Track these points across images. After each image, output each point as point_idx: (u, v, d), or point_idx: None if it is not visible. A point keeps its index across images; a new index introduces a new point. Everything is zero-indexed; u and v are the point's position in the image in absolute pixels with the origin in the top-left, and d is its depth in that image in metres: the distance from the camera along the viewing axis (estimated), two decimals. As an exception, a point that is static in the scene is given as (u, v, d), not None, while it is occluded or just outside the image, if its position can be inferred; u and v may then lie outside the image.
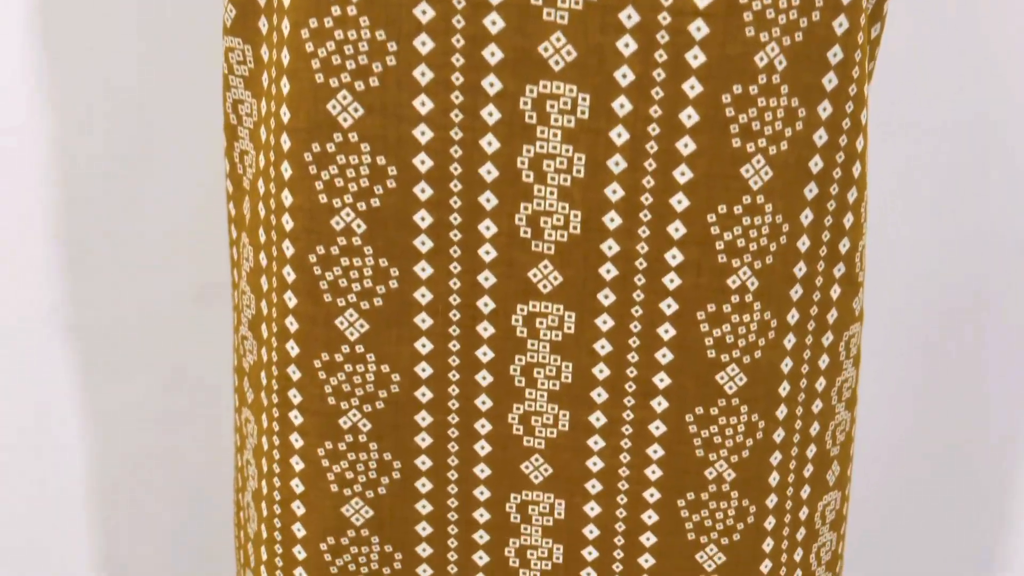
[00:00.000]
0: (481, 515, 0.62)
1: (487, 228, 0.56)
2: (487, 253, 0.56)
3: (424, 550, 0.63)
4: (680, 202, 0.55)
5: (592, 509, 0.61)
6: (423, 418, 0.60)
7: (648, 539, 0.62)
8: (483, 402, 0.59)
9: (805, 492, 0.65)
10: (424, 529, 0.62)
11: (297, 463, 0.61)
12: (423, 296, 0.57)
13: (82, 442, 1.02)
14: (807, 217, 0.58)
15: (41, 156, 0.94)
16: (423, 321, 0.58)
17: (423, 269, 0.57)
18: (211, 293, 0.98)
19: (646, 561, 0.62)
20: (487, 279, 0.57)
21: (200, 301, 0.99)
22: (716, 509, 0.61)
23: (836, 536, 0.70)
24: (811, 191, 0.58)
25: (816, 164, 0.57)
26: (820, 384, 0.63)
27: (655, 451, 0.60)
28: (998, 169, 1.00)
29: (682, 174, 0.54)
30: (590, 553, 0.62)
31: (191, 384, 1.02)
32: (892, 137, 0.93)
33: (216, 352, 0.95)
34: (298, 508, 0.62)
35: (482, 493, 0.61)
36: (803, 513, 0.65)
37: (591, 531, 0.62)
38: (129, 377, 1.01)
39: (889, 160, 0.93)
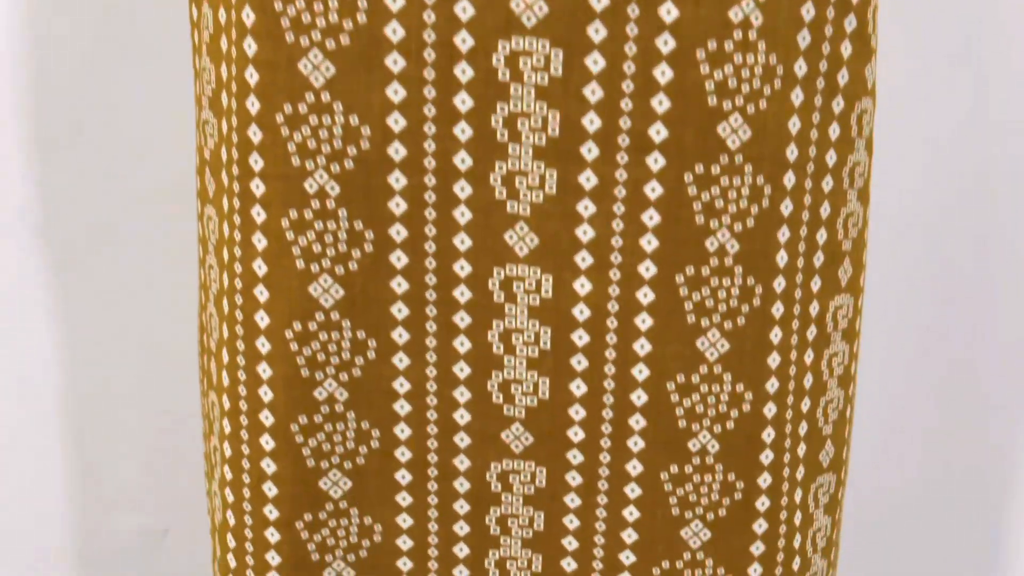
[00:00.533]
0: (462, 294, 0.56)
1: None
2: None
3: (400, 335, 0.57)
4: None
5: (583, 286, 0.56)
6: (396, 179, 0.54)
7: (644, 321, 0.56)
8: (462, 160, 0.54)
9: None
10: (400, 311, 0.57)
11: (260, 240, 0.56)
12: (394, 32, 0.52)
13: (54, 347, 0.98)
14: None
15: (6, 53, 0.90)
16: (395, 63, 0.52)
17: None
18: (182, 192, 0.93)
19: (642, 347, 0.57)
20: (464, 10, 0.51)
21: (172, 201, 0.95)
22: (718, 287, 0.56)
23: (852, 302, 0.64)
24: None
25: None
26: (831, 158, 0.58)
27: (651, 217, 0.55)
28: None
29: None
30: (580, 337, 0.57)
31: (164, 285, 0.97)
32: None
33: (189, 251, 0.91)
34: (261, 293, 0.57)
35: (462, 268, 0.56)
36: (815, 288, 0.60)
37: (581, 311, 0.56)
38: (100, 279, 0.97)
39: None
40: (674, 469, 0.59)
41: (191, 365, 0.95)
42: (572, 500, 0.60)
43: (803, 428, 0.61)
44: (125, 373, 0.99)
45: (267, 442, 0.58)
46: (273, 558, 0.60)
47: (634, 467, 0.59)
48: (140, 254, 0.97)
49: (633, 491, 0.60)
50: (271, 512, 0.59)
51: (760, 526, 0.61)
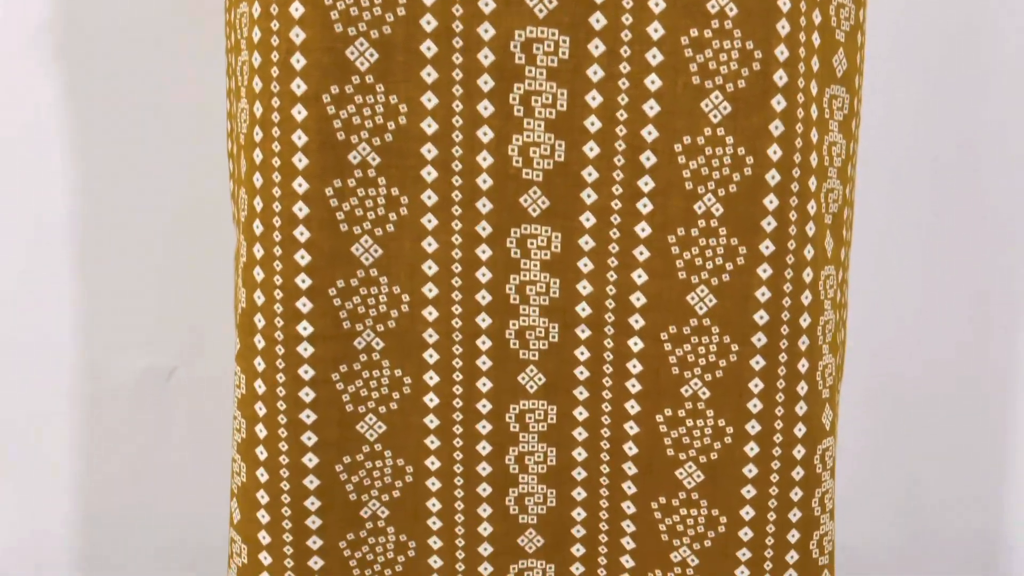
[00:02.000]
0: (485, 81, 0.62)
1: None
2: None
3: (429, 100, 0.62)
4: None
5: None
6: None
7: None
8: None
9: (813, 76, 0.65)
10: (430, 74, 0.62)
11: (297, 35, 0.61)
12: None
13: (66, 167, 0.99)
14: None
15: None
16: None
17: None
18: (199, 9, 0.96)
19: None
20: None
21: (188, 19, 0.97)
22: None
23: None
24: None
25: None
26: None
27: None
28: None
29: None
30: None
31: (180, 102, 0.99)
32: None
33: (207, 71, 0.93)
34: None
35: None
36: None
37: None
38: (116, 100, 0.99)
39: None
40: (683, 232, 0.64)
41: (200, 202, 0.97)
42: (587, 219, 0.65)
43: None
44: (141, 187, 1.00)
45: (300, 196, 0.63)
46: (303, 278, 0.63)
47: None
48: (158, 72, 0.98)
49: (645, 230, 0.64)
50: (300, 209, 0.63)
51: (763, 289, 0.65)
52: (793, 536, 0.67)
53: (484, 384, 0.66)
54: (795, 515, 0.67)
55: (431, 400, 0.66)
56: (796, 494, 0.67)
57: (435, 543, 0.68)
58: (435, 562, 0.69)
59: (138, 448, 1.06)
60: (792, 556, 0.68)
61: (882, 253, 1.05)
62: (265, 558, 0.66)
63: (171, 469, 1.07)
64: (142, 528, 1.08)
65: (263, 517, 0.66)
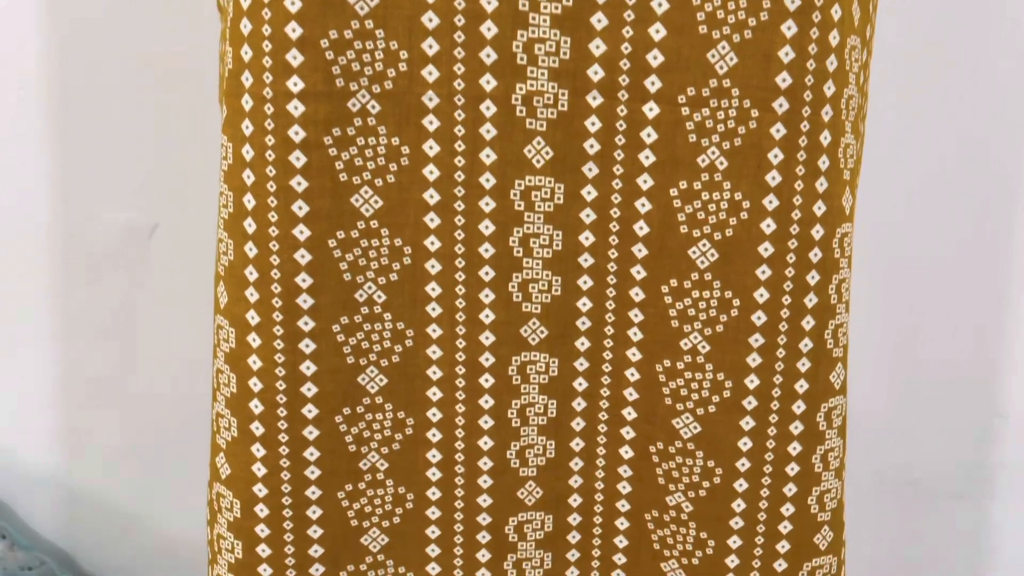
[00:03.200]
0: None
1: None
2: None
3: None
4: None
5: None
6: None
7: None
8: None
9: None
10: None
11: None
12: None
13: (43, 18, 0.95)
14: None
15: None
16: None
17: None
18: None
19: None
20: None
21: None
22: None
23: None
24: None
25: None
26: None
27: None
28: None
29: None
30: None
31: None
32: None
33: None
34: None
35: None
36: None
37: (590, 169, 0.62)
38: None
39: None
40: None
41: (184, 51, 0.93)
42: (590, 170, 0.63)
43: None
44: (118, 59, 0.97)
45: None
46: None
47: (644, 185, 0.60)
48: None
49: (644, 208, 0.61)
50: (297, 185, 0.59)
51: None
52: (808, 323, 0.64)
53: (488, 156, 0.62)
54: (811, 301, 0.64)
55: (431, 172, 0.62)
56: (813, 277, 0.64)
57: (435, 331, 0.65)
58: (434, 352, 0.65)
59: (116, 308, 1.02)
60: (806, 344, 0.65)
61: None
62: (254, 340, 0.63)
63: (150, 330, 1.03)
64: (119, 390, 1.04)
65: (251, 295, 0.62)
